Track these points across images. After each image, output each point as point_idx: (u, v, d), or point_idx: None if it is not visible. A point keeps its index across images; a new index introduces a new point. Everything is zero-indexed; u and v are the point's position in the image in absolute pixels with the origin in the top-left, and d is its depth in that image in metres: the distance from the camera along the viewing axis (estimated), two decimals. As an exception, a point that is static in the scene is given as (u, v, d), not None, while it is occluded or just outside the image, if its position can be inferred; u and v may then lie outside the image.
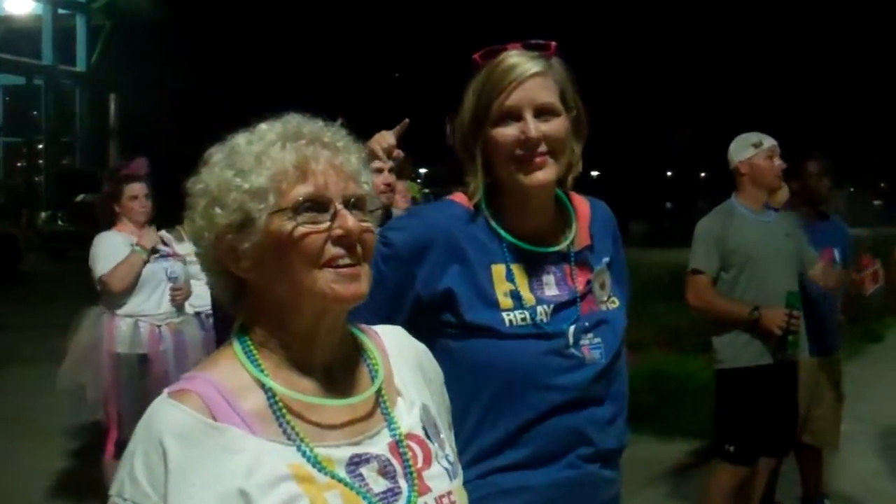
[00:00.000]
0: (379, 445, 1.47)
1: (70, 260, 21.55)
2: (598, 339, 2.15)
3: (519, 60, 2.09)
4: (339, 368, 1.51)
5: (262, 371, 1.44)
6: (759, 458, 4.99)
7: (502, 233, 2.15)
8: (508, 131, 2.08)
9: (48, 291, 16.91)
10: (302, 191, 1.42)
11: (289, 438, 1.40)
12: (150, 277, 5.65)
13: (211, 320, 6.18)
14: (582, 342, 2.13)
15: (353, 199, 1.45)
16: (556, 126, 2.09)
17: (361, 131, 1.64)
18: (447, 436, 1.62)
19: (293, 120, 1.50)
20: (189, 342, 5.81)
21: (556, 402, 2.08)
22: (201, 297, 6.10)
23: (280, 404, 1.41)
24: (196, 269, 6.18)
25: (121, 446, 5.26)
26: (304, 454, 1.39)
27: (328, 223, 1.42)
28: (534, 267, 2.17)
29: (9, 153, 42.05)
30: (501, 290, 2.11)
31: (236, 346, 1.47)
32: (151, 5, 34.88)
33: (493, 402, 2.08)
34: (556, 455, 2.09)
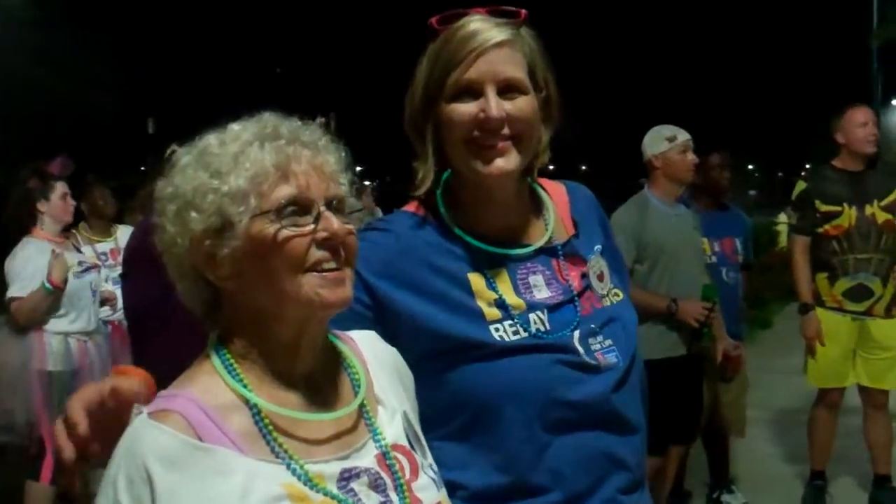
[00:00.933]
0: (367, 458, 1.42)
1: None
2: (609, 341, 1.86)
3: (482, 27, 1.78)
4: (321, 378, 1.46)
5: (245, 386, 1.37)
6: (670, 446, 5.07)
7: (469, 239, 1.85)
8: (465, 108, 1.77)
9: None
10: (284, 192, 1.36)
11: (277, 457, 1.34)
12: (79, 294, 5.43)
13: (109, 326, 6.04)
14: (593, 347, 1.84)
15: (334, 201, 1.40)
16: (522, 106, 1.78)
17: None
18: (425, 442, 1.58)
19: (269, 119, 1.43)
20: (107, 353, 5.66)
21: (576, 422, 1.78)
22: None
23: (266, 421, 1.35)
24: (101, 274, 6.06)
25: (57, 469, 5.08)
26: (294, 472, 1.33)
27: (312, 226, 1.36)
28: (515, 270, 1.87)
29: None
30: (484, 300, 1.81)
31: (215, 360, 1.40)
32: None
33: (503, 436, 1.75)
34: (591, 488, 1.80)
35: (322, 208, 1.37)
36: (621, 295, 1.99)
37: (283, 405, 1.38)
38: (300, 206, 1.36)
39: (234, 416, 1.34)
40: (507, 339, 1.78)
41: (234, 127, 1.42)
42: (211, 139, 1.41)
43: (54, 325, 5.31)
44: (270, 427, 1.35)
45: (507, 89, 1.78)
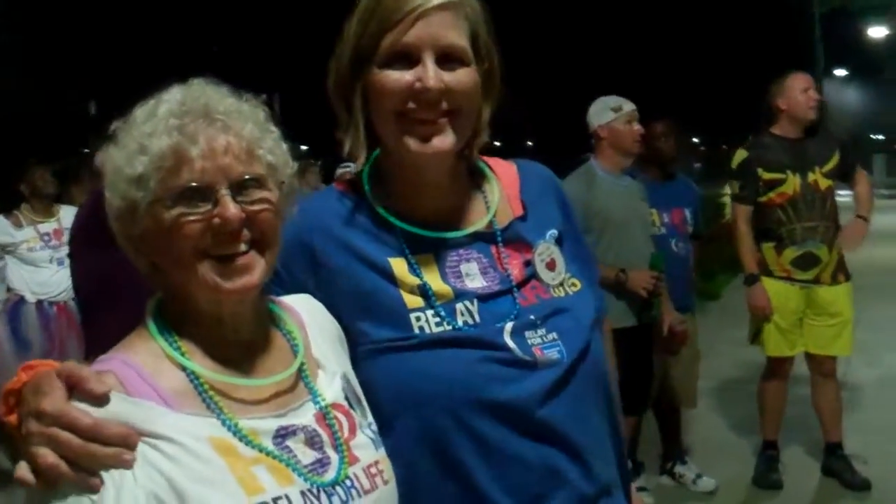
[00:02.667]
0: (305, 417, 1.42)
1: None
2: (553, 335, 1.65)
3: None
4: (258, 345, 1.46)
5: (179, 351, 1.36)
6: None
7: (393, 220, 1.67)
8: (399, 76, 1.57)
9: None
10: (180, 179, 1.32)
11: (210, 410, 1.32)
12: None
13: (54, 308, 6.23)
14: (531, 341, 1.63)
15: (244, 180, 1.36)
16: (462, 78, 1.59)
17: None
18: (365, 404, 1.57)
19: (191, 91, 1.40)
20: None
21: (505, 426, 1.57)
22: (44, 284, 6.00)
23: (202, 380, 1.34)
24: (39, 255, 6.11)
25: None
26: (226, 426, 1.31)
27: (208, 211, 1.33)
28: (446, 256, 1.68)
29: None
30: (405, 287, 1.63)
31: (151, 326, 1.39)
32: None
33: (417, 439, 1.56)
34: None
35: (224, 192, 1.33)
36: (579, 285, 1.77)
37: (219, 371, 1.37)
38: (199, 192, 1.33)
39: (169, 375, 1.34)
40: (427, 330, 1.60)
41: (162, 97, 1.39)
42: (136, 113, 1.39)
43: None
44: (206, 385, 1.34)
45: (448, 59, 1.58)
